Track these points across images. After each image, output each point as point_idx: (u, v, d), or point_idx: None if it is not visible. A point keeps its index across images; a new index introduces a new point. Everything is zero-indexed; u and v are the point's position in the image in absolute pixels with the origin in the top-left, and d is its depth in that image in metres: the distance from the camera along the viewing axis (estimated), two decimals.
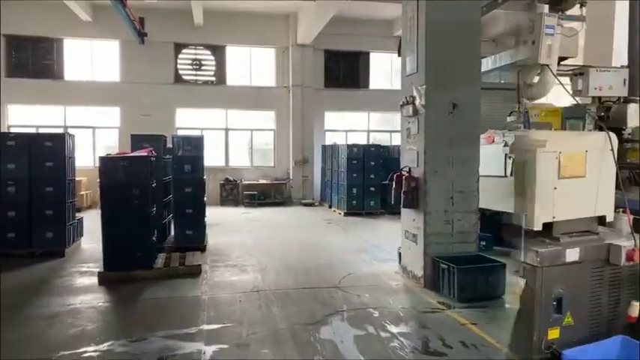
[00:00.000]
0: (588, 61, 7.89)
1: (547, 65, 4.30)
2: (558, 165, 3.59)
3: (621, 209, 4.61)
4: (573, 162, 3.64)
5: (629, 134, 6.72)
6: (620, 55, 7.98)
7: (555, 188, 3.59)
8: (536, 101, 8.05)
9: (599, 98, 6.60)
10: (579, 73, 6.25)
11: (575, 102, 6.97)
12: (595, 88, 6.18)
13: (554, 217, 3.62)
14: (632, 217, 4.05)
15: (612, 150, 3.71)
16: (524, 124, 4.98)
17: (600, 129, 6.73)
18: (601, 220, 3.91)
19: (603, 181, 3.73)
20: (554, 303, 3.53)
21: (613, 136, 3.79)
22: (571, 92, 5.83)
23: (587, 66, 6.16)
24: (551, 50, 4.23)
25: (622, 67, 6.54)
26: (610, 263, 3.65)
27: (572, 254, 3.55)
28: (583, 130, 6.29)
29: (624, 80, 6.24)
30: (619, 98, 6.44)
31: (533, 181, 3.54)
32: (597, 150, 3.72)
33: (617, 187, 4.12)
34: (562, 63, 6.42)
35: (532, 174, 3.53)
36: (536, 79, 4.76)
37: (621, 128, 6.49)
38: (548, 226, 3.65)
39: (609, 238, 3.75)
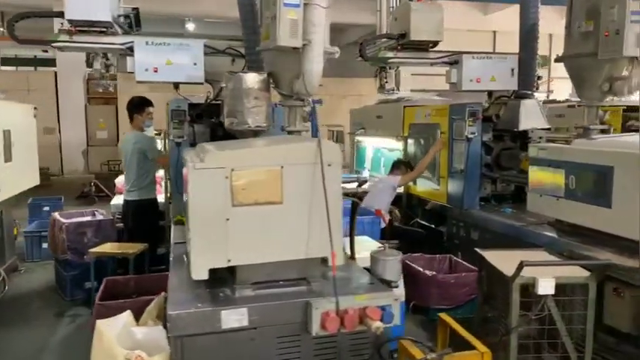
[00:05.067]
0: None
1: (298, 49, 3.15)
2: (230, 186, 2.49)
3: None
4: (258, 182, 2.51)
5: (540, 138, 5.36)
6: None
7: (228, 220, 2.49)
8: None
9: (490, 93, 5.30)
10: (454, 62, 4.98)
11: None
12: (471, 80, 4.89)
13: (229, 261, 2.52)
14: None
15: (322, 164, 2.54)
16: (311, 128, 3.81)
17: (496, 131, 5.43)
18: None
19: (320, 210, 2.58)
20: None
21: (328, 144, 2.61)
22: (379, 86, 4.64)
23: (462, 52, 4.88)
24: (298, 28, 3.09)
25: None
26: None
27: (233, 318, 2.42)
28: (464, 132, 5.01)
29: (512, 70, 4.90)
30: (513, 92, 5.11)
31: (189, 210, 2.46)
32: (304, 165, 2.57)
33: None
34: (433, 49, 5.16)
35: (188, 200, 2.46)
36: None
37: (516, 131, 5.16)
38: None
39: (326, 291, 2.59)
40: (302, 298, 2.52)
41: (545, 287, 3.10)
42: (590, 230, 3.73)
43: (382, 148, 7.41)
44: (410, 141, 6.27)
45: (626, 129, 6.59)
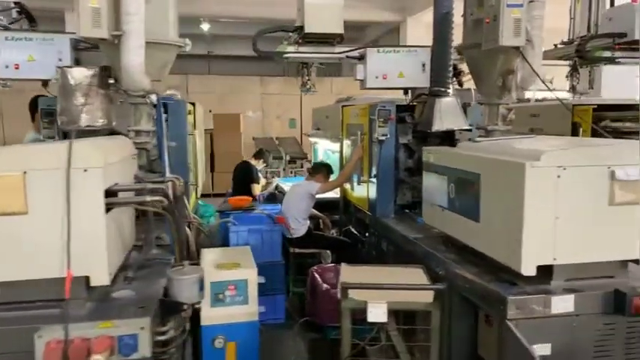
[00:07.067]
0: None
1: (106, 40, 2.85)
2: None
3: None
4: None
5: (470, 140, 4.83)
6: None
7: None
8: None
9: (406, 91, 4.83)
10: (361, 57, 4.54)
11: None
12: (376, 77, 4.44)
13: None
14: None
15: (68, 169, 2.21)
16: (157, 127, 3.46)
17: (418, 133, 4.92)
18: None
19: (77, 221, 2.25)
20: None
21: (83, 146, 2.27)
22: None
23: (367, 46, 4.44)
24: (101, 18, 2.79)
25: None
26: None
27: None
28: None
29: (423, 65, 4.42)
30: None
31: None
32: (51, 170, 2.23)
33: None
34: (341, 44, 4.72)
35: None
36: None
37: (439, 132, 4.66)
38: None
39: (81, 315, 2.26)
40: (43, 323, 2.20)
41: (377, 314, 2.68)
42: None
43: (328, 150, 7.02)
44: (346, 142, 5.86)
45: (596, 132, 5.90)
